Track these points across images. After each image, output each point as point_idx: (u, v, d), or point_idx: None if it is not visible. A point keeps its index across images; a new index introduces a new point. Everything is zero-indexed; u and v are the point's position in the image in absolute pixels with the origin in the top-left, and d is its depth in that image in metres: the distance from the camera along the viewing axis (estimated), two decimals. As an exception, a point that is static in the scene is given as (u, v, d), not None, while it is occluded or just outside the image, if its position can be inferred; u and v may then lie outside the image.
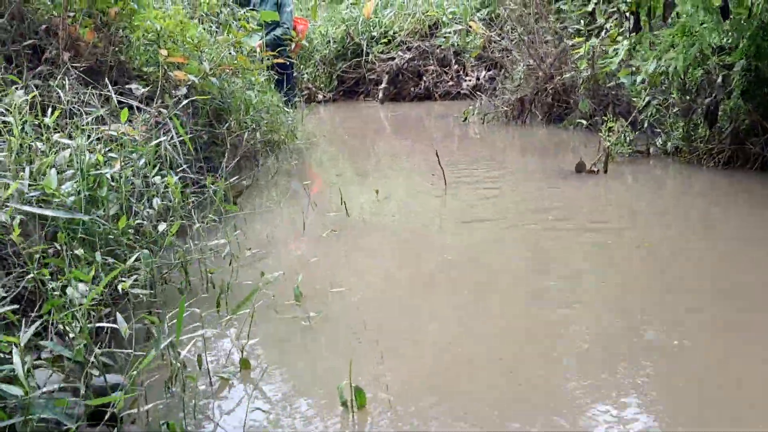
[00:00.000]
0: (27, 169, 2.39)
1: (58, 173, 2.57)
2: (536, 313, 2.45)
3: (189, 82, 4.13)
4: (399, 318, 2.46)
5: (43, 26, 4.36)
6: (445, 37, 8.57)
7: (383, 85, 9.27)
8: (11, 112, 2.78)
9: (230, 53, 4.76)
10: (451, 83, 9.01)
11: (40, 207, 2.34)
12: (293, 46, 7.22)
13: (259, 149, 5.14)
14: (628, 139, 4.72)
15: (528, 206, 3.84)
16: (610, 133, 4.67)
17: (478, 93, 7.88)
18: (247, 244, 3.31)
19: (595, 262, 2.99)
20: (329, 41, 9.87)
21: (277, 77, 8.54)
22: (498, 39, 7.27)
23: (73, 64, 4.23)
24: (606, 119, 4.76)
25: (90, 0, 4.63)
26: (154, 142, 3.10)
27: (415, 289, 2.75)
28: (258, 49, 7.92)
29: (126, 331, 1.90)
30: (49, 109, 3.23)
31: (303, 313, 2.47)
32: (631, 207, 3.86)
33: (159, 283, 2.73)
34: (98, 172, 2.49)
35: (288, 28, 8.67)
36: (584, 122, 5.09)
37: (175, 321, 2.11)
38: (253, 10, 8.74)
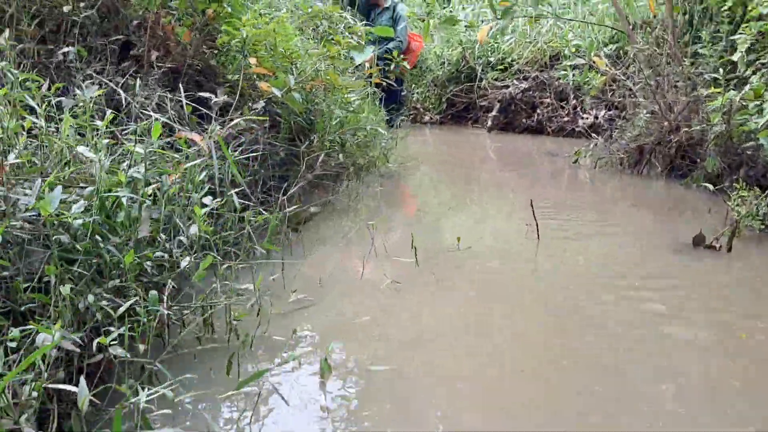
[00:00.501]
0: (38, 182, 2.05)
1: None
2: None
3: (270, 95, 3.79)
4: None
5: (135, 22, 4.14)
6: (564, 71, 7.96)
7: (493, 113, 8.73)
8: (41, 115, 2.48)
9: (324, 68, 4.39)
10: (566, 119, 8.36)
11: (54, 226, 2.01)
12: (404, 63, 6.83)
13: (343, 170, 4.75)
14: (761, 211, 4.00)
15: (628, 281, 3.23)
16: (741, 203, 3.96)
17: (594, 134, 7.22)
18: (295, 284, 2.90)
19: (685, 356, 2.37)
20: (443, 63, 9.44)
21: (384, 94, 8.21)
22: (623, 78, 6.59)
23: (159, 64, 3.99)
24: (737, 186, 4.05)
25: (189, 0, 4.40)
26: (189, 164, 2.70)
27: (479, 383, 2.22)
28: (367, 65, 7.62)
29: (84, 403, 1.51)
30: (106, 112, 2.96)
31: (325, 398, 2.01)
32: (753, 293, 3.16)
33: (179, 325, 2.36)
34: (115, 193, 2.13)
35: (401, 42, 8.33)
36: (711, 187, 4.35)
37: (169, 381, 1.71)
38: (369, 24, 8.47)
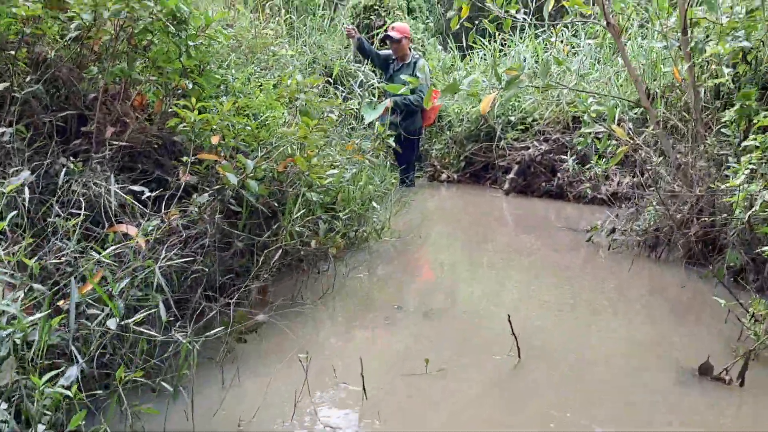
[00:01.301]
0: None
1: None
2: None
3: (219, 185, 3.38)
4: None
5: (92, 95, 3.80)
6: (583, 137, 7.44)
7: (511, 175, 8.23)
8: None
9: (296, 148, 3.97)
10: (588, 185, 7.80)
11: None
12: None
13: (318, 256, 4.31)
14: (783, 330, 3.41)
15: (616, 424, 2.70)
16: (760, 318, 3.40)
17: (617, 201, 6.72)
18: (210, 427, 2.44)
19: None
20: (462, 119, 9.01)
21: (399, 150, 7.81)
22: (645, 148, 6.06)
23: (114, 142, 3.63)
24: (753, 302, 3.47)
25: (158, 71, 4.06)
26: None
27: None
28: (377, 124, 7.25)
29: None
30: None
31: None
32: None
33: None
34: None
35: (423, 94, 7.92)
36: (721, 302, 3.71)
37: None
38: (389, 80, 8.08)
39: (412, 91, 7.52)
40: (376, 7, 9.90)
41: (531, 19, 7.91)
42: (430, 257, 5.43)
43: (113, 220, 3.12)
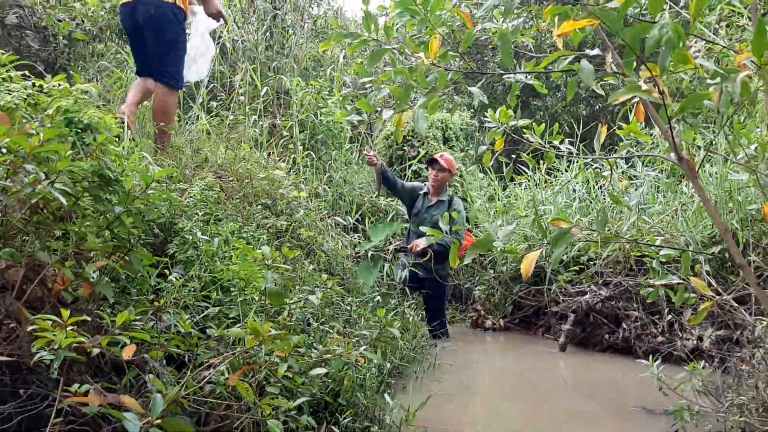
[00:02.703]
0: None
1: None
2: None
3: None
4: None
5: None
6: (652, 287, 6.04)
7: (567, 326, 6.79)
8: None
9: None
10: (660, 339, 6.31)
11: None
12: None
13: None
14: None
15: None
16: None
17: (697, 359, 5.21)
18: None
19: None
20: (507, 258, 7.72)
21: (429, 294, 6.56)
22: (732, 306, 4.64)
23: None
24: None
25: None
26: None
27: None
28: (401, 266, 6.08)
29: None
30: None
31: None
32: None
33: None
34: None
35: (461, 238, 6.65)
36: None
37: None
38: (416, 216, 6.94)
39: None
40: (410, 138, 8.93)
41: (578, 147, 6.74)
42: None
43: None
